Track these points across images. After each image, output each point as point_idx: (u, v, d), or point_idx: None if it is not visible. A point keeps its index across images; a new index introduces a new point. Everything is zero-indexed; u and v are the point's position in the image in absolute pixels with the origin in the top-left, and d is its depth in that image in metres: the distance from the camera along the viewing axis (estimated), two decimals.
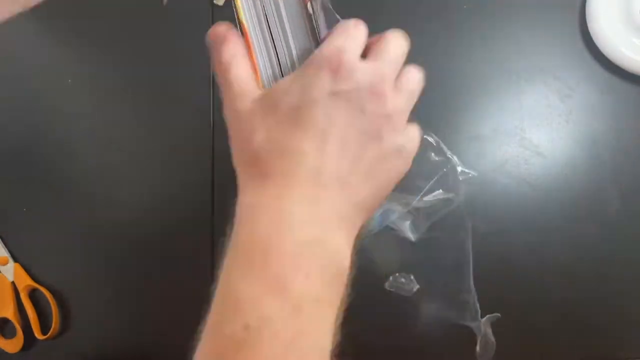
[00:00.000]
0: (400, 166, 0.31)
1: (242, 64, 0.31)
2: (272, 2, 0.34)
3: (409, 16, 0.62)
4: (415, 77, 0.33)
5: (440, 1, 0.62)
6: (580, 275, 0.56)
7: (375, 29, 0.61)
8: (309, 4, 0.34)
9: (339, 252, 0.28)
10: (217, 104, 0.60)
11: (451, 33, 0.61)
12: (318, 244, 0.27)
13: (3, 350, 0.58)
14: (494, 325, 0.55)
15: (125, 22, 0.63)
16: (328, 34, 0.32)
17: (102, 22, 0.63)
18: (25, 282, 0.57)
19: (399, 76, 0.32)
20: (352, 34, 0.31)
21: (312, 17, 0.34)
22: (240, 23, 0.35)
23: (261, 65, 0.33)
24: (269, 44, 0.34)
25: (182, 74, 0.61)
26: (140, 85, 0.61)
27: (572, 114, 0.59)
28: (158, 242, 0.58)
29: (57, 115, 0.61)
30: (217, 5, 0.62)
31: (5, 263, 0.58)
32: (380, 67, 0.30)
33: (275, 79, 0.33)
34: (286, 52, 0.33)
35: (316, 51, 0.30)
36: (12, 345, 0.58)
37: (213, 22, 0.61)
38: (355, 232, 0.29)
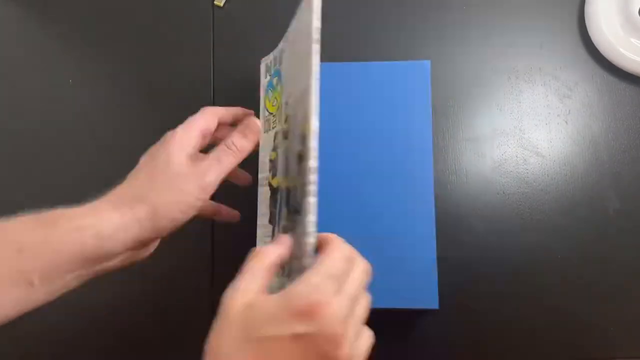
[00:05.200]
0: None
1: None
2: None
3: (409, 17, 0.62)
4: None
5: (439, 2, 0.62)
6: (580, 275, 0.56)
7: (375, 32, 0.62)
8: None
9: None
10: (217, 104, 0.60)
11: (450, 34, 0.61)
12: None
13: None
14: (494, 325, 0.55)
15: (126, 23, 0.63)
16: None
17: (103, 23, 0.63)
18: None
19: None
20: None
21: None
22: None
23: None
24: None
25: (184, 75, 0.61)
26: (141, 85, 0.62)
27: (571, 114, 0.59)
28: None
29: (59, 115, 0.61)
30: (218, 6, 0.62)
31: None
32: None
33: None
34: None
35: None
36: None
37: (214, 23, 0.62)
38: None
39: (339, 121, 0.57)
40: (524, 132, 0.59)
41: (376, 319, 0.57)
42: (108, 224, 0.37)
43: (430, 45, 0.61)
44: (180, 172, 0.39)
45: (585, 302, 0.55)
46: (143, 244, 0.40)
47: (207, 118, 0.43)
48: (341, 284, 0.34)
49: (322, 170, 0.55)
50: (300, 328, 0.31)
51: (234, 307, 0.33)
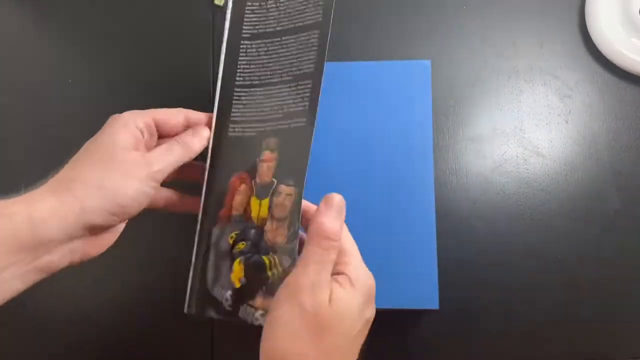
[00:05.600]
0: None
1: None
2: None
3: (409, 16, 0.62)
4: None
5: (440, 2, 0.62)
6: (580, 275, 0.56)
7: (375, 30, 0.61)
8: None
9: None
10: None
11: (451, 33, 0.61)
12: None
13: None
14: (494, 325, 0.55)
15: (125, 23, 0.63)
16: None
17: (102, 23, 0.63)
18: None
19: None
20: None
21: None
22: None
23: None
24: None
25: (183, 75, 0.61)
26: (140, 86, 0.62)
27: (572, 113, 0.59)
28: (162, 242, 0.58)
29: (58, 114, 0.61)
30: (218, 6, 0.62)
31: None
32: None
33: None
34: None
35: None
36: None
37: (214, 23, 0.62)
38: None
39: (339, 121, 0.57)
40: (524, 132, 0.59)
41: (376, 319, 0.57)
42: (42, 208, 0.34)
43: (431, 45, 0.61)
44: (128, 156, 0.36)
45: (585, 302, 0.55)
46: (91, 232, 0.36)
47: (169, 111, 0.40)
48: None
49: (322, 169, 0.56)
50: (369, 313, 0.36)
51: (325, 306, 0.33)
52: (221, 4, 0.62)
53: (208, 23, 0.62)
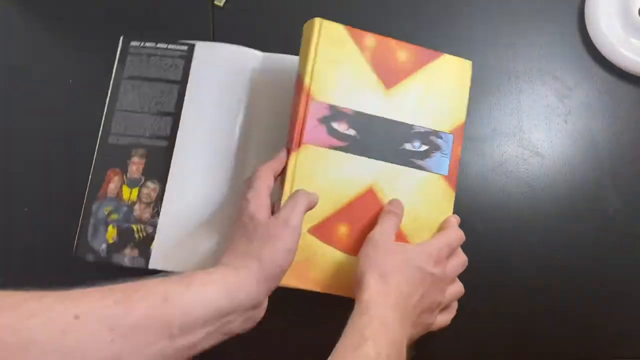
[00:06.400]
0: (428, 326, 0.50)
1: None
2: None
3: (410, 16, 0.62)
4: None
5: (441, 2, 0.62)
6: (579, 275, 0.56)
7: (376, 30, 0.61)
8: None
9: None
10: None
11: (451, 34, 0.62)
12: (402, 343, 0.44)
13: None
14: (494, 325, 0.55)
15: (125, 23, 0.63)
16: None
17: (102, 24, 0.63)
18: None
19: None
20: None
21: None
22: None
23: None
24: None
25: None
26: None
27: (571, 114, 0.59)
28: None
29: (59, 115, 0.61)
30: (218, 6, 0.62)
31: None
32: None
33: None
34: None
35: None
36: None
37: (214, 23, 0.62)
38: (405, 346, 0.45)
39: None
40: (524, 132, 0.59)
41: None
42: (233, 281, 0.42)
43: (430, 45, 0.61)
44: (269, 226, 0.45)
45: (585, 302, 0.55)
46: (258, 299, 0.44)
47: (266, 178, 0.48)
48: (453, 253, 0.51)
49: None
50: (434, 269, 0.47)
51: (391, 242, 0.48)
52: (221, 4, 0.62)
53: (208, 23, 0.62)
